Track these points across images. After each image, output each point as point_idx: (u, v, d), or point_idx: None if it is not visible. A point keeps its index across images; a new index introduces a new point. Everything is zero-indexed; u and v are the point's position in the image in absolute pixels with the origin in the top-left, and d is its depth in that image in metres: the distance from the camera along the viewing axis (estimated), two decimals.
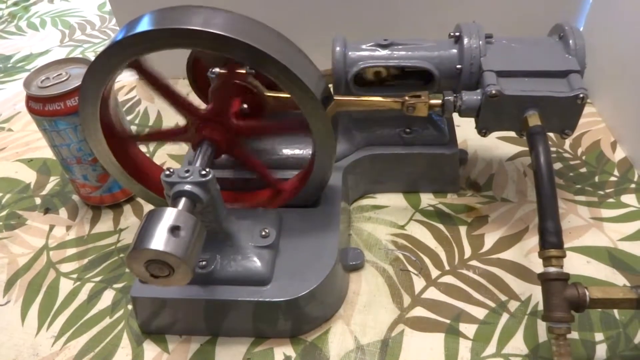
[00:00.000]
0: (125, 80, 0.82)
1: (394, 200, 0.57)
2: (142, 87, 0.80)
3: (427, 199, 0.57)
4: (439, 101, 0.47)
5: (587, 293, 0.37)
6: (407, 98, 0.47)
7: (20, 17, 1.06)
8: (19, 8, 1.10)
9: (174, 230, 0.34)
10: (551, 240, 0.39)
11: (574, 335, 0.44)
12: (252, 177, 0.50)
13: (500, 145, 0.63)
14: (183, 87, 0.69)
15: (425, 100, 0.46)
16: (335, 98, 0.45)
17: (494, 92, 0.44)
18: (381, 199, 0.57)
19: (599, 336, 0.44)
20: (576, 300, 0.37)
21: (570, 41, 0.47)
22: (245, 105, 0.48)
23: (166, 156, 0.66)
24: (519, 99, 0.44)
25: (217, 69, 0.48)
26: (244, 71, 0.47)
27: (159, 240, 0.34)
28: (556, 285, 0.38)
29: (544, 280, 0.39)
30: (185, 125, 0.45)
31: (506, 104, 0.45)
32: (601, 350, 0.43)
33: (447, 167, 0.56)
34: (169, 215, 0.35)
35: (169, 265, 0.34)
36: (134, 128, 0.72)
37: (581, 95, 0.44)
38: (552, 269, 0.38)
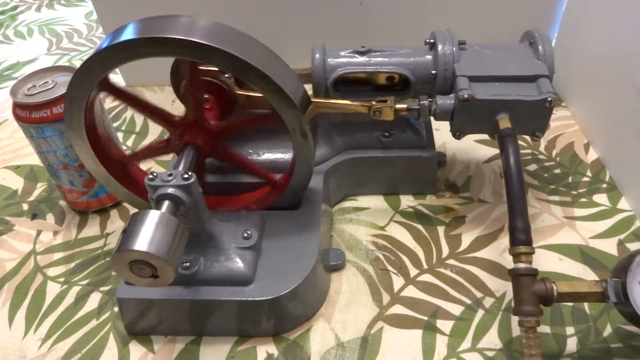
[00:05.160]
0: None
1: (375, 202, 0.59)
2: None
3: (407, 201, 0.59)
4: (404, 105, 0.49)
5: (555, 287, 0.39)
6: (374, 103, 0.49)
7: (7, 26, 1.07)
8: (5, 17, 1.10)
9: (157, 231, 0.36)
10: (520, 238, 0.41)
11: (546, 329, 0.45)
12: (238, 181, 0.52)
13: (477, 148, 0.65)
14: (169, 94, 0.71)
15: (391, 105, 0.48)
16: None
17: (466, 96, 0.46)
18: (362, 201, 0.59)
19: (569, 330, 0.45)
20: (544, 294, 0.39)
21: (540, 47, 0.49)
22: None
23: (152, 162, 0.67)
24: (490, 102, 0.46)
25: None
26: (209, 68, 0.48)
27: (143, 242, 0.35)
28: (525, 280, 0.40)
29: (514, 275, 0.40)
30: (168, 138, 0.46)
31: (478, 108, 0.46)
32: (572, 343, 0.45)
33: (425, 170, 0.57)
34: (153, 217, 0.36)
35: (153, 265, 0.36)
36: (120, 135, 0.73)
37: (549, 99, 0.46)
38: (521, 265, 0.40)
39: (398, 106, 0.49)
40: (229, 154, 0.48)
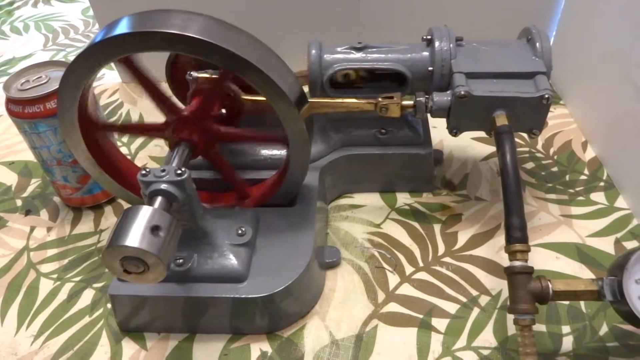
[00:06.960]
0: (108, 83, 0.83)
1: (371, 199, 0.58)
2: (125, 90, 0.81)
3: (403, 198, 0.58)
4: (411, 102, 0.48)
5: (550, 285, 0.39)
6: (380, 99, 0.48)
7: (4, 21, 1.06)
8: (2, 12, 1.10)
9: (151, 229, 0.35)
10: (516, 235, 0.40)
11: (542, 327, 0.45)
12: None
13: (474, 145, 0.65)
14: (164, 90, 0.70)
15: (397, 101, 0.48)
16: (311, 100, 0.46)
17: (462, 93, 0.45)
18: (358, 198, 0.59)
19: (565, 329, 0.45)
20: (540, 292, 0.39)
21: (537, 44, 0.49)
22: (224, 111, 0.49)
23: (147, 158, 0.67)
24: (487, 99, 0.46)
25: (194, 73, 0.49)
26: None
27: (135, 238, 0.34)
28: (521, 278, 0.39)
29: (510, 273, 0.40)
30: (165, 123, 0.46)
31: (475, 105, 0.46)
32: (567, 342, 0.44)
33: (422, 167, 0.57)
34: (145, 213, 0.36)
35: (144, 262, 0.35)
36: None
37: (546, 96, 0.45)
38: (517, 263, 0.40)
39: (405, 102, 0.48)
40: (218, 159, 0.48)
